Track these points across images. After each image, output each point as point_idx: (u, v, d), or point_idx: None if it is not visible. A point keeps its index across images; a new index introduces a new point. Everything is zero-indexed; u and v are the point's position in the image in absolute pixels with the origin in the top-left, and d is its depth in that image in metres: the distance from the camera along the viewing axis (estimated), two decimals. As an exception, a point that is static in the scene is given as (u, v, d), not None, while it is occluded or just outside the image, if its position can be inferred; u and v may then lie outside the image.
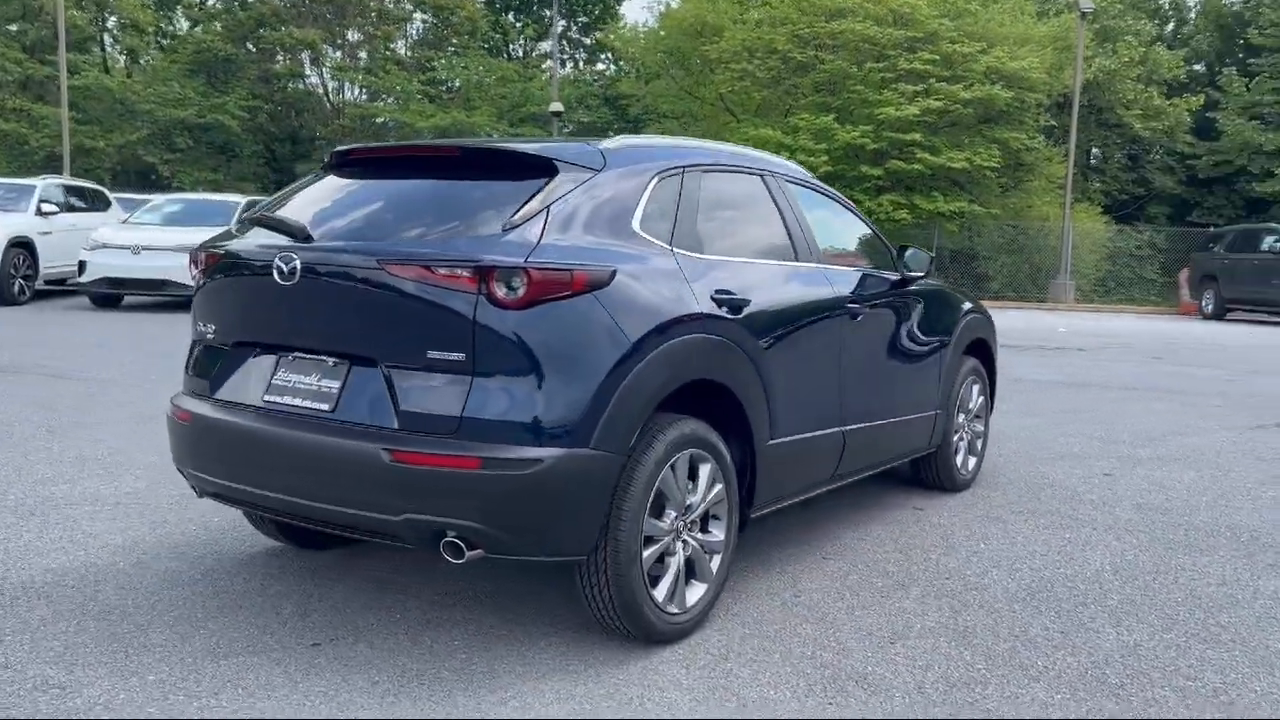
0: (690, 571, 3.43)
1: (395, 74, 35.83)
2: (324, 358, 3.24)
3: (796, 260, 4.12)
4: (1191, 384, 10.31)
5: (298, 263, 3.18)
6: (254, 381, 3.38)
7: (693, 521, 3.42)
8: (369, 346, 3.13)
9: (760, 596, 3.82)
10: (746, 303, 3.60)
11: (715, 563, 3.52)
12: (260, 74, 36.25)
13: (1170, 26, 39.22)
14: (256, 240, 3.45)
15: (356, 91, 39.21)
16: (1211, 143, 33.55)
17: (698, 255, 3.54)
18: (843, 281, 4.35)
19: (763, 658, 3.27)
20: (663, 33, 30.68)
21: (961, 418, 5.45)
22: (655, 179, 3.52)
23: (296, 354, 3.31)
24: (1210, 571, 4.25)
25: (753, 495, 3.70)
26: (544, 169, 3.31)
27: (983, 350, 5.67)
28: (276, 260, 3.23)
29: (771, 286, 3.85)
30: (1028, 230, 27.10)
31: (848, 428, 4.25)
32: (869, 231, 4.97)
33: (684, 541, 3.39)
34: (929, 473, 5.34)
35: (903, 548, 4.49)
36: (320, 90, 39.24)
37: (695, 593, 3.43)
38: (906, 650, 3.35)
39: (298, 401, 3.23)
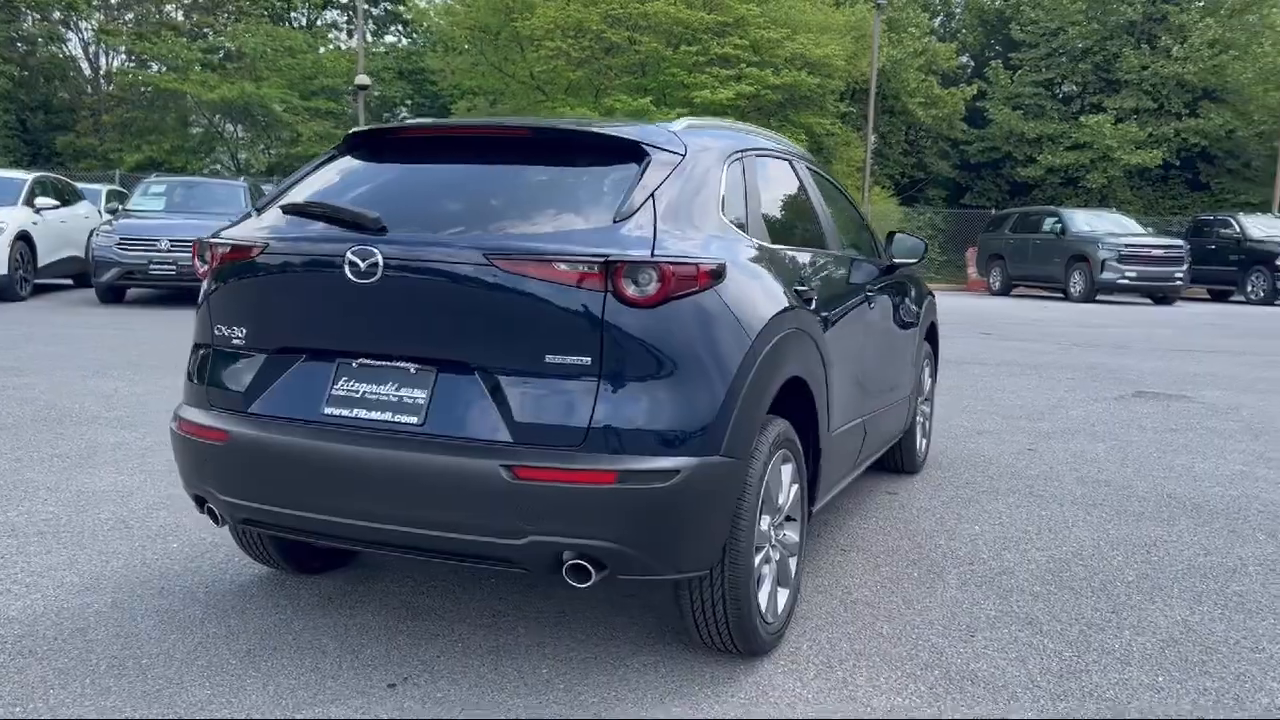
0: (778, 577, 3.30)
1: (168, 39, 33.12)
2: (403, 364, 2.86)
3: (827, 248, 4.04)
4: (1033, 358, 11.03)
5: (379, 257, 2.79)
6: (306, 393, 2.95)
7: (779, 525, 3.28)
8: (466, 350, 2.79)
9: (814, 596, 3.73)
10: (814, 294, 3.48)
11: (794, 565, 3.40)
12: (6, 36, 32.63)
13: (939, 19, 41.78)
14: (305, 231, 3.01)
15: (123, 57, 36.05)
16: (981, 130, 36.19)
17: (770, 245, 3.39)
18: (859, 269, 4.32)
19: (865, 662, 3.18)
20: (468, 5, 29.87)
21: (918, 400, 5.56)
22: (726, 164, 3.34)
23: (363, 360, 2.91)
24: (1188, 541, 4.50)
25: (815, 491, 3.60)
26: (629, 153, 3.06)
27: (933, 332, 5.81)
28: (349, 255, 2.83)
29: (823, 276, 3.75)
30: (830, 212, 28.27)
31: (865, 416, 4.23)
32: (859, 216, 4.96)
33: (774, 546, 3.25)
34: (894, 456, 5.41)
35: (909, 534, 4.51)
36: (80, 55, 35.83)
37: (783, 599, 3.30)
38: (992, 643, 3.35)
39: (374, 415, 2.85)
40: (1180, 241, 21.32)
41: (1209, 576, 4.04)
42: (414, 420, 2.80)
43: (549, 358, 2.69)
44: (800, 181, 4.07)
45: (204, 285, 3.26)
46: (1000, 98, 35.60)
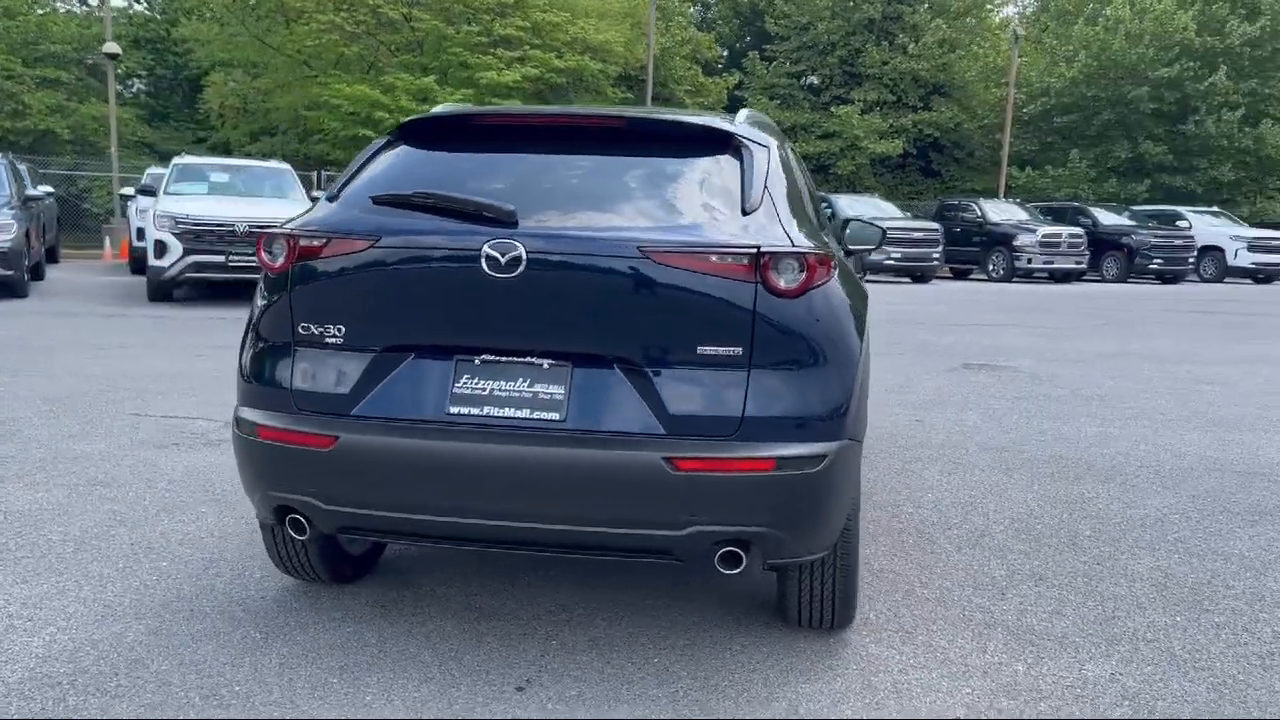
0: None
1: None
2: (535, 360, 2.80)
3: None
4: (856, 335, 11.78)
5: (521, 251, 2.71)
6: (423, 392, 2.82)
7: (846, 503, 3.45)
8: (607, 344, 2.76)
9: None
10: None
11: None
12: None
13: (695, 9, 43.24)
14: (427, 223, 2.86)
15: None
16: (741, 118, 37.83)
17: (822, 234, 3.53)
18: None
19: (935, 626, 3.41)
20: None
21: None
22: (790, 155, 3.46)
23: (486, 357, 2.82)
24: (1107, 497, 5.05)
25: None
26: (723, 143, 3.11)
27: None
28: (487, 249, 2.72)
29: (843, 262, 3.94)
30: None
31: None
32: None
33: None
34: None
35: (875, 504, 4.81)
36: None
37: (855, 572, 3.48)
38: (1025, 599, 3.67)
39: (508, 412, 2.77)
40: (937, 225, 23.26)
41: (1146, 526, 4.57)
42: (555, 416, 2.75)
43: (701, 349, 2.73)
44: (795, 166, 4.24)
45: (266, 279, 3.03)
46: (758, 88, 37.35)
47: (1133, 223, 25.28)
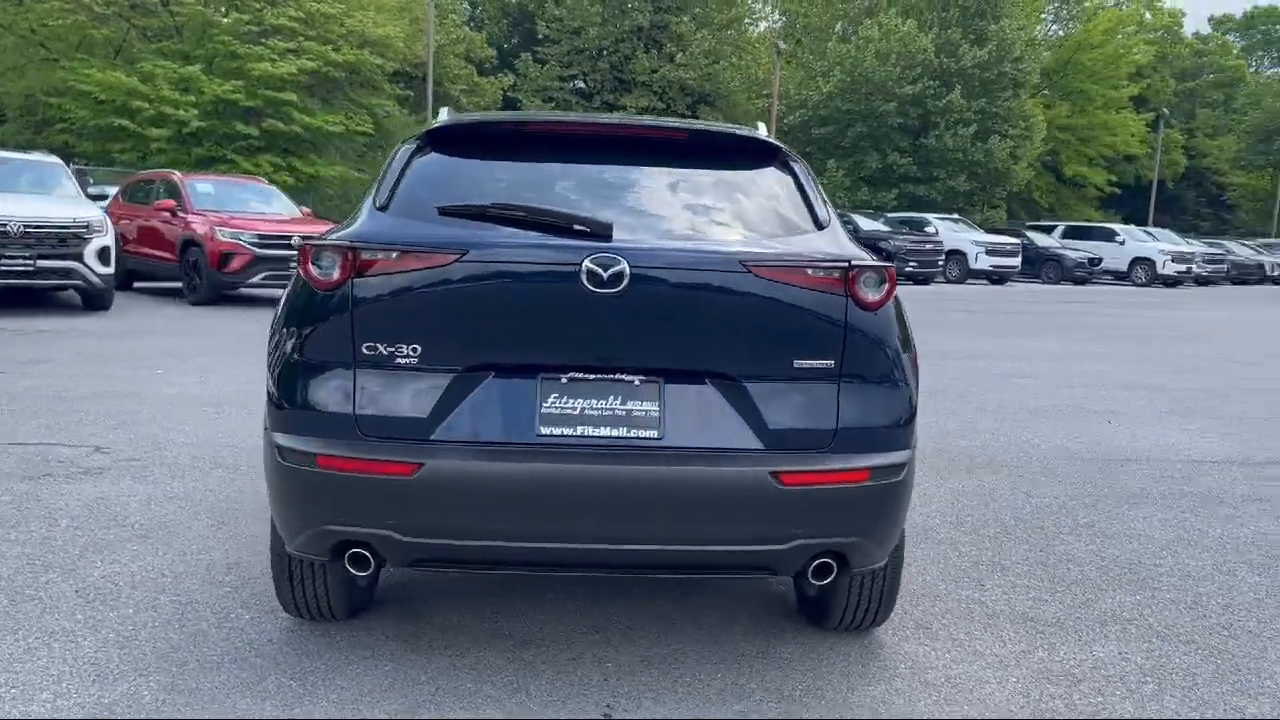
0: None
1: None
2: (625, 377, 2.72)
3: None
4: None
5: (625, 265, 2.63)
6: (509, 413, 2.68)
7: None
8: (701, 359, 2.74)
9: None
10: None
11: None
12: None
13: (465, 5, 42.73)
14: (514, 238, 2.73)
15: None
16: (514, 119, 37.77)
17: None
18: None
19: (963, 621, 3.58)
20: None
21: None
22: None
23: (574, 375, 2.71)
24: (1034, 493, 5.47)
25: None
26: (773, 156, 3.15)
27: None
28: (588, 263, 2.62)
29: None
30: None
31: None
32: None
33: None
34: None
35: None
36: None
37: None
38: (1035, 589, 3.93)
39: (604, 431, 2.68)
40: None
41: (1054, 514, 4.99)
42: (652, 434, 2.69)
43: (797, 363, 2.75)
44: None
45: (307, 295, 2.78)
46: (531, 89, 37.43)
47: (888, 228, 27.26)
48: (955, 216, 29.93)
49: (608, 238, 2.69)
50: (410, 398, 2.70)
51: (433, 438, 2.67)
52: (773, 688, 3.00)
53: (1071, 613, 3.68)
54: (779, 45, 33.14)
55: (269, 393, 2.85)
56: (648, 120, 3.26)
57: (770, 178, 3.08)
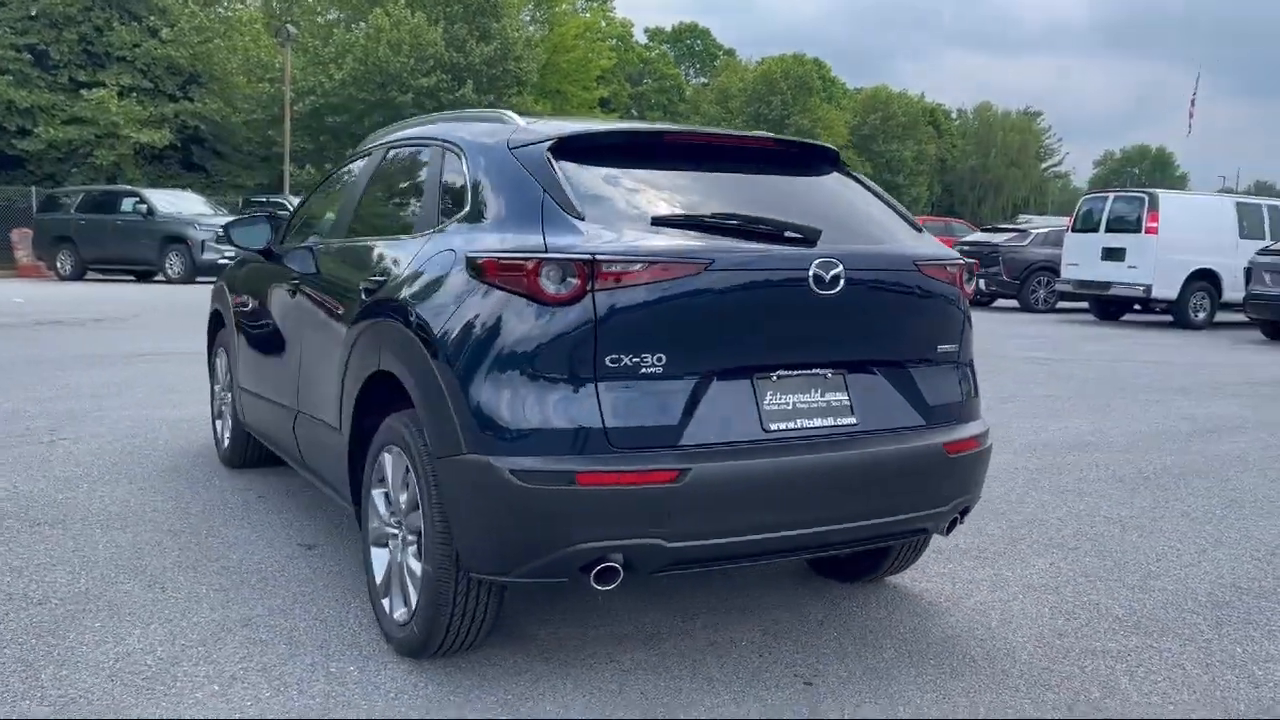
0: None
1: None
2: (818, 371, 2.99)
3: None
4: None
5: (841, 269, 2.88)
6: (737, 414, 2.83)
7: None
8: (874, 349, 3.09)
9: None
10: None
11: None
12: None
13: None
14: (750, 246, 2.86)
15: None
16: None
17: None
18: None
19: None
20: None
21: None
22: None
23: (781, 373, 2.92)
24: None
25: None
26: (838, 162, 3.52)
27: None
28: (814, 269, 2.84)
29: None
30: None
31: None
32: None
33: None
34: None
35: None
36: None
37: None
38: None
39: (816, 422, 2.94)
40: (266, 222, 22.72)
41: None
42: (850, 421, 3.00)
43: (940, 347, 3.22)
44: None
45: (529, 310, 2.67)
46: (-17, 61, 31.78)
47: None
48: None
49: (814, 243, 2.93)
50: (658, 406, 2.72)
51: (681, 443, 2.73)
52: (901, 650, 3.44)
53: (1120, 572, 4.54)
54: (290, 29, 31.64)
55: (479, 416, 2.67)
56: (758, 132, 3.48)
57: (856, 186, 3.47)
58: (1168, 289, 16.45)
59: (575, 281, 2.65)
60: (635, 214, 2.89)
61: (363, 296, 3.37)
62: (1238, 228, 16.88)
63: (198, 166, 37.29)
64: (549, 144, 3.05)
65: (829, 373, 3.01)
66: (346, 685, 2.93)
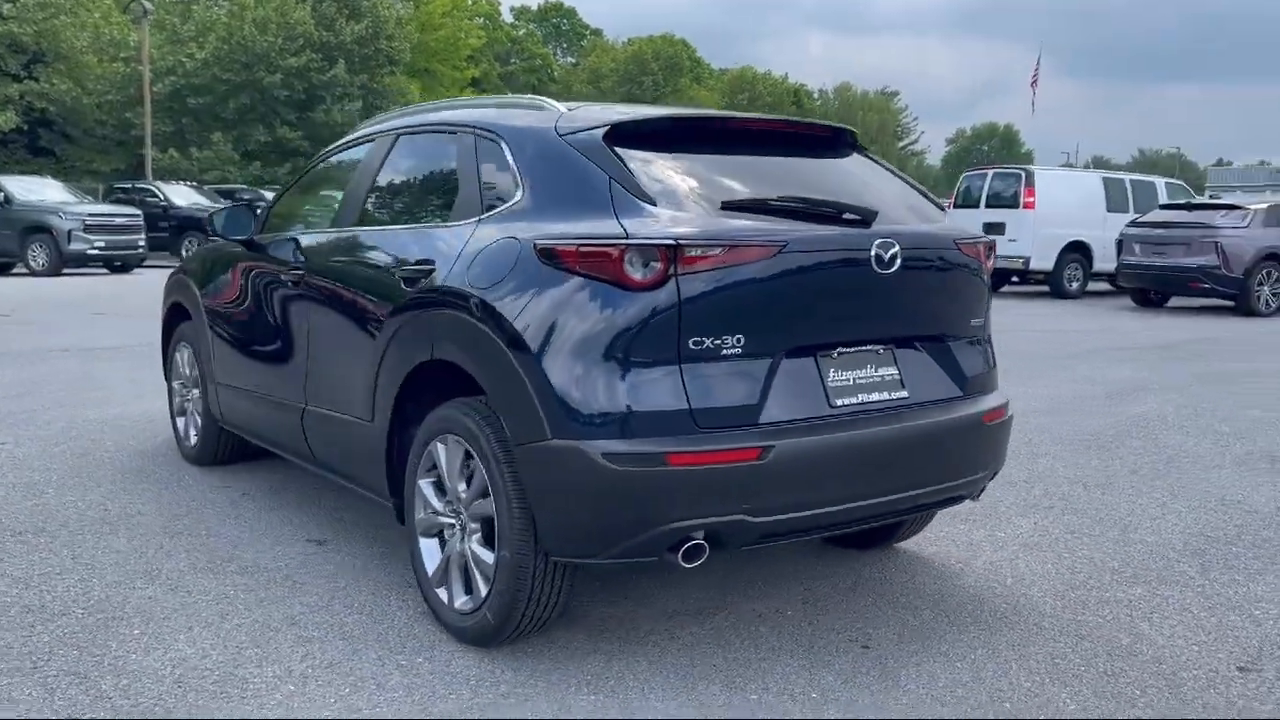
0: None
1: None
2: (870, 347, 3.11)
3: None
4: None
5: (898, 249, 3.01)
6: (805, 391, 2.93)
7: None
8: (918, 325, 3.23)
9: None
10: None
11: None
12: None
13: None
14: (819, 228, 2.95)
15: None
16: None
17: None
18: None
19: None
20: None
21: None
22: None
23: (841, 350, 3.03)
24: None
25: None
26: (853, 143, 3.64)
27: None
28: (875, 248, 2.95)
29: None
30: None
31: None
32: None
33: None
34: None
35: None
36: None
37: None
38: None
39: (875, 396, 3.06)
40: (137, 211, 21.67)
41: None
42: (903, 394, 3.14)
43: (971, 321, 3.38)
44: None
45: (612, 296, 2.70)
46: None
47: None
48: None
49: (869, 224, 3.04)
50: (738, 386, 2.80)
51: (760, 421, 2.81)
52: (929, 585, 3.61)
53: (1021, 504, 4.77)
54: (145, 4, 30.00)
55: (565, 401, 2.70)
56: (790, 117, 3.54)
57: (877, 167, 3.58)
58: (1045, 260, 17.37)
59: (658, 266, 2.70)
60: (702, 198, 2.94)
61: (403, 286, 3.32)
62: (1105, 201, 17.93)
63: (46, 151, 35.23)
64: (603, 130, 3.06)
65: (880, 349, 3.14)
66: (422, 677, 2.92)
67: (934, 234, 3.27)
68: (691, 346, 2.74)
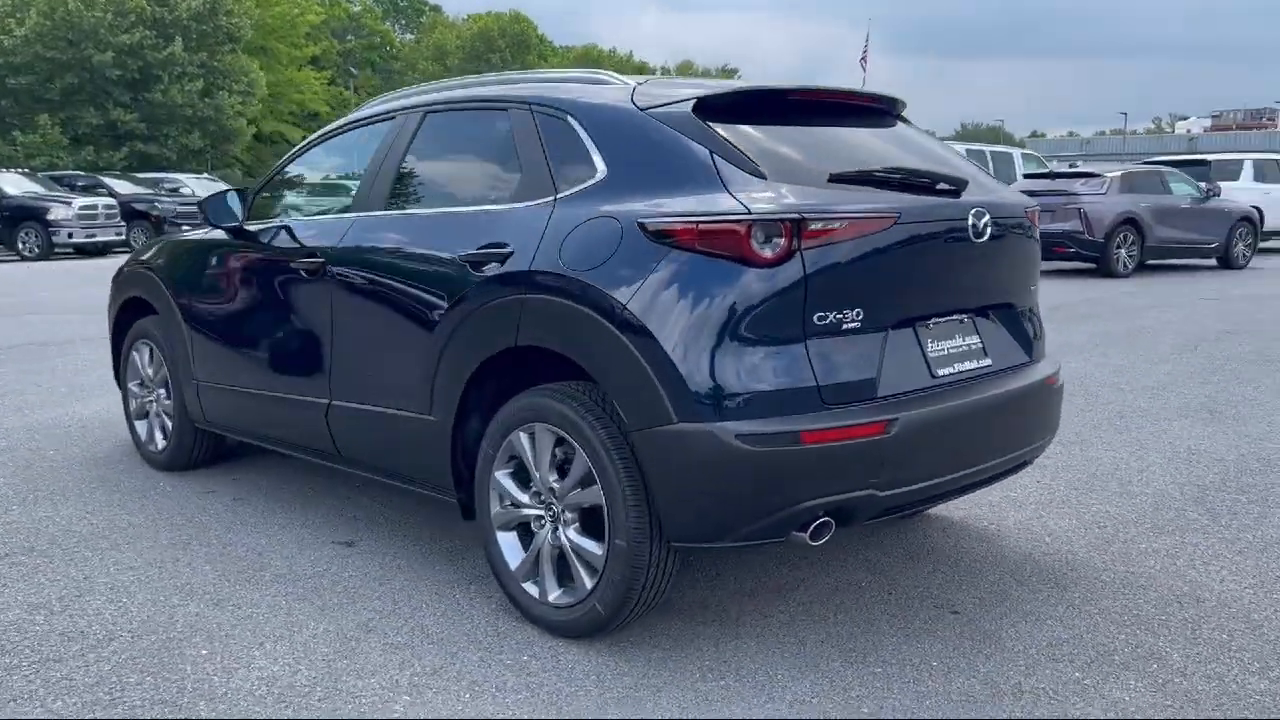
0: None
1: None
2: (955, 317, 3.14)
3: None
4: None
5: (989, 218, 3.04)
6: (910, 363, 2.93)
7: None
8: (995, 295, 3.28)
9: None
10: None
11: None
12: None
13: None
14: (925, 199, 2.96)
15: None
16: None
17: None
18: None
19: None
20: None
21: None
22: None
23: (935, 320, 3.05)
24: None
25: None
26: (900, 113, 3.65)
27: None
28: (971, 218, 2.97)
29: None
30: None
31: None
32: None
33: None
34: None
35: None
36: None
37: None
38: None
39: (970, 365, 3.12)
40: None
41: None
42: (989, 362, 3.20)
43: (1031, 288, 3.46)
44: None
45: (735, 272, 2.64)
46: None
47: (152, 191, 25.24)
48: (210, 175, 28.75)
49: (959, 194, 3.06)
50: (858, 360, 2.78)
51: (880, 394, 2.80)
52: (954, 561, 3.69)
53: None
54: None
55: (691, 384, 2.62)
56: (852, 88, 3.49)
57: (924, 135, 3.59)
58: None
59: (782, 241, 2.64)
60: (807, 171, 2.89)
61: (469, 270, 3.15)
62: (969, 173, 18.73)
63: None
64: (691, 103, 2.98)
65: (964, 318, 3.18)
66: (537, 676, 2.80)
67: (1012, 203, 3.32)
68: (816, 322, 2.70)
